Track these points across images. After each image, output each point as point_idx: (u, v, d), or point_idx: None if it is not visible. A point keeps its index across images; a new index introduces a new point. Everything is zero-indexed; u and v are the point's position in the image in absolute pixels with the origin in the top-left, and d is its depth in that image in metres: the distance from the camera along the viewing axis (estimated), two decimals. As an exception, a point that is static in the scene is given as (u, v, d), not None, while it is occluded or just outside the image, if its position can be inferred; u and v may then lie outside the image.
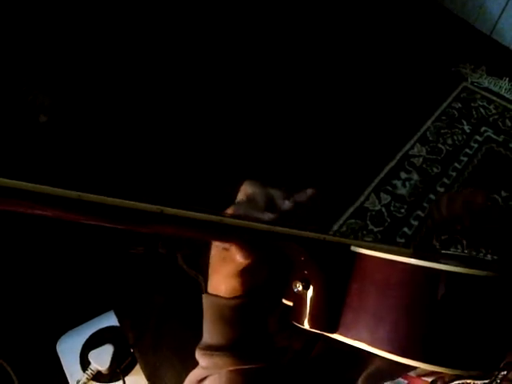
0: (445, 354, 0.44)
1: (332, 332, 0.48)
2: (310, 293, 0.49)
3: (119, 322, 1.07)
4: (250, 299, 0.54)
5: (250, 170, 1.71)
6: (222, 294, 0.54)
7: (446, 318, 0.44)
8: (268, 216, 0.50)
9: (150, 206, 0.38)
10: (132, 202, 0.37)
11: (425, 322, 0.44)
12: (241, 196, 0.54)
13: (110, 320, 1.08)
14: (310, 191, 0.56)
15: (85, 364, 1.01)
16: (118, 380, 1.00)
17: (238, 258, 0.48)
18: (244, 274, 0.52)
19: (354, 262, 0.48)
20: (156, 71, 1.96)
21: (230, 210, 0.51)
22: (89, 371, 0.99)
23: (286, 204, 0.53)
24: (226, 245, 0.51)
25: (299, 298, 0.50)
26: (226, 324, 0.54)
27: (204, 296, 0.56)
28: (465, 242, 0.72)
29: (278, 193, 0.54)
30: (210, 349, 0.55)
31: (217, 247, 0.53)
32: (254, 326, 0.56)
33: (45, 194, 0.33)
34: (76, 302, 1.37)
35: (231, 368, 0.54)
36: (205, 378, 0.56)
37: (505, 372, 0.51)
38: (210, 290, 0.55)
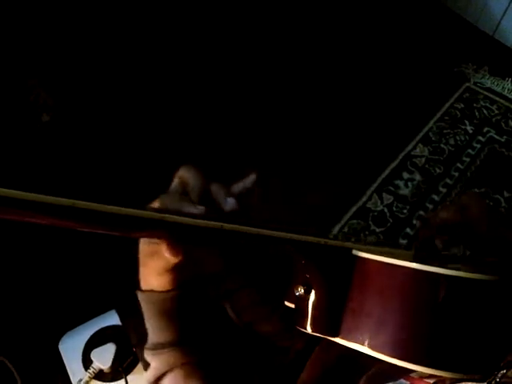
0: (446, 358, 0.44)
1: (334, 336, 0.48)
2: (311, 297, 0.49)
3: (121, 320, 1.07)
4: (184, 291, 0.52)
5: (252, 170, 1.70)
6: (155, 289, 0.52)
7: (448, 322, 0.44)
8: (199, 209, 0.44)
9: (149, 212, 0.38)
10: (130, 210, 0.37)
11: (426, 326, 0.45)
12: (174, 183, 0.49)
13: (112, 319, 1.08)
14: (252, 177, 0.51)
15: (87, 363, 1.02)
16: (120, 379, 1.00)
17: (167, 255, 0.44)
18: (174, 269, 0.50)
19: (355, 266, 0.48)
20: (158, 71, 1.96)
21: (156, 202, 0.47)
22: (91, 370, 1.00)
23: (229, 203, 0.48)
24: (155, 240, 0.47)
25: (301, 302, 0.50)
26: (166, 318, 0.53)
27: (138, 293, 0.53)
28: (462, 247, 0.72)
29: (220, 189, 0.48)
30: (158, 347, 0.54)
31: (144, 241, 0.50)
32: (196, 315, 0.55)
33: (37, 203, 0.32)
34: (78, 301, 1.38)
35: (182, 362, 0.53)
36: (161, 378, 0.55)
37: (504, 371, 0.51)
38: (143, 286, 0.53)
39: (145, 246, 0.50)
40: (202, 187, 0.48)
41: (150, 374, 0.56)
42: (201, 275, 0.54)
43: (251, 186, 0.50)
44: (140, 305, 0.54)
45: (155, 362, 0.54)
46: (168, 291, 0.52)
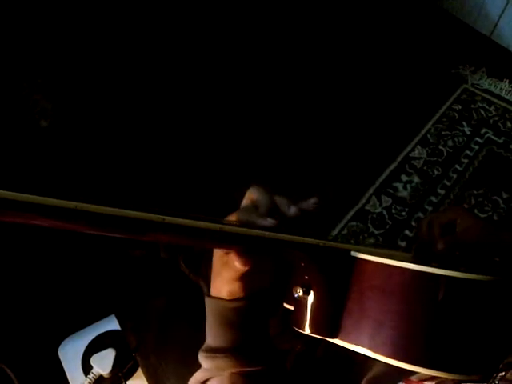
0: (445, 359, 0.44)
1: (333, 337, 0.48)
2: (310, 298, 0.49)
3: (121, 326, 1.07)
4: (251, 302, 0.55)
5: (252, 173, 1.71)
6: (224, 297, 0.55)
7: (447, 323, 0.44)
8: (269, 222, 0.50)
9: (151, 215, 0.38)
10: (132, 212, 0.37)
11: (425, 327, 0.45)
12: (246, 201, 0.55)
13: (112, 324, 1.08)
14: (313, 200, 0.56)
15: (87, 368, 1.02)
16: (119, 384, 1.00)
17: (237, 264, 0.49)
18: (244, 278, 0.53)
19: (354, 268, 0.48)
20: (158, 76, 1.96)
21: (233, 216, 0.52)
22: (91, 375, 0.99)
23: (292, 210, 0.53)
24: (227, 250, 0.51)
25: (300, 303, 0.50)
26: (229, 326, 0.55)
27: (207, 299, 0.57)
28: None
29: (283, 200, 0.54)
30: (213, 351, 0.55)
31: (219, 251, 0.54)
32: (256, 328, 0.57)
33: (41, 205, 0.32)
34: (77, 307, 1.37)
35: (233, 370, 0.55)
36: (207, 380, 0.57)
37: (503, 373, 0.51)
38: (213, 292, 0.56)
39: (218, 256, 0.54)
40: (270, 202, 0.54)
41: (199, 375, 0.58)
42: (264, 289, 0.57)
43: (310, 208, 0.56)
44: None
45: (208, 364, 0.56)
46: (235, 300, 0.54)
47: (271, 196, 0.54)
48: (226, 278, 0.54)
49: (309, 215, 0.55)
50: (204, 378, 0.57)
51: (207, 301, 0.57)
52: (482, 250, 0.69)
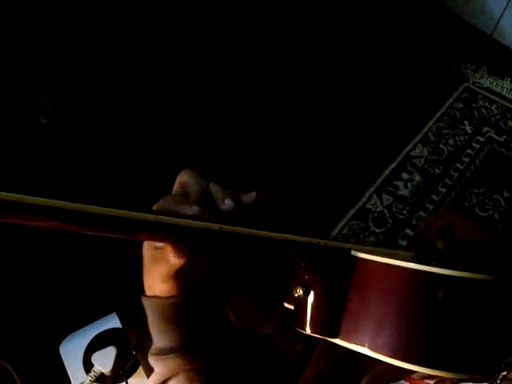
0: (446, 359, 0.44)
1: (333, 337, 0.48)
2: (310, 298, 0.49)
3: (122, 323, 1.07)
4: (189, 295, 0.52)
5: (251, 171, 1.71)
6: (158, 295, 0.52)
7: (448, 323, 0.44)
8: (193, 210, 0.45)
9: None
10: (130, 212, 0.37)
11: (426, 327, 0.45)
12: (175, 186, 0.50)
13: (113, 322, 1.08)
14: (252, 195, 0.51)
15: (88, 366, 1.02)
16: (121, 382, 1.00)
17: (172, 258, 0.45)
18: (177, 274, 0.49)
19: (354, 267, 0.48)
20: (157, 75, 1.96)
21: (156, 204, 0.48)
22: (92, 373, 1.00)
23: (227, 204, 0.48)
24: (159, 244, 0.48)
25: (300, 304, 0.50)
26: (171, 324, 0.53)
27: (143, 299, 0.54)
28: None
29: (218, 189, 0.49)
30: (162, 352, 0.53)
31: (148, 246, 0.50)
32: (200, 320, 0.55)
33: (47, 207, 0.32)
34: (79, 304, 1.38)
35: (186, 368, 0.53)
36: (166, 381, 0.55)
37: (505, 372, 0.51)
38: (147, 291, 0.53)
39: (148, 252, 0.50)
40: (202, 188, 0.49)
41: (153, 379, 0.56)
42: (203, 280, 0.55)
43: (251, 202, 0.51)
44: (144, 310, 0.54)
45: (159, 367, 0.54)
46: (172, 297, 0.52)
47: (204, 182, 0.49)
48: (159, 274, 0.50)
49: (244, 212, 0.50)
50: (159, 382, 0.55)
51: (144, 301, 0.53)
52: (482, 249, 0.69)
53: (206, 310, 0.56)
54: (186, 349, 0.53)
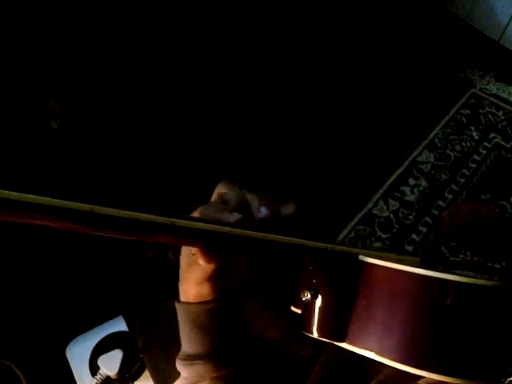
0: (454, 365, 0.44)
1: (340, 341, 0.48)
2: (318, 302, 0.49)
3: (128, 327, 1.07)
4: (222, 302, 0.53)
5: (257, 176, 1.71)
6: (192, 301, 0.53)
7: (455, 328, 0.44)
8: (235, 217, 0.47)
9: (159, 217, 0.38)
10: (143, 214, 0.37)
11: (433, 332, 0.45)
12: (214, 196, 0.52)
13: (119, 325, 1.08)
14: (292, 206, 0.53)
15: (94, 369, 1.02)
16: (127, 385, 1.01)
17: (201, 262, 0.46)
18: (212, 279, 0.51)
19: (361, 272, 0.48)
20: (165, 78, 1.97)
21: (197, 212, 0.50)
22: (98, 376, 1.00)
23: (262, 212, 0.51)
24: (192, 250, 0.49)
25: (308, 307, 0.50)
26: (202, 331, 0.53)
27: (177, 305, 0.55)
28: (468, 253, 0.72)
29: (254, 198, 0.51)
30: (190, 358, 0.54)
31: (185, 253, 0.52)
32: (231, 328, 0.56)
33: (57, 208, 0.33)
34: (85, 307, 1.38)
35: (213, 375, 0.54)
36: None
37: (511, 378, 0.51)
38: (182, 297, 0.54)
39: (184, 258, 0.52)
40: (239, 198, 0.51)
41: (180, 382, 0.56)
42: (236, 287, 0.55)
43: (290, 214, 0.53)
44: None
45: (186, 372, 0.55)
46: (205, 303, 0.53)
47: (241, 192, 0.51)
48: (192, 280, 0.52)
49: (280, 221, 0.52)
50: None
51: (177, 307, 0.55)
52: (499, 237, 0.70)
53: (237, 318, 0.57)
54: (214, 356, 0.54)
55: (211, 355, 0.53)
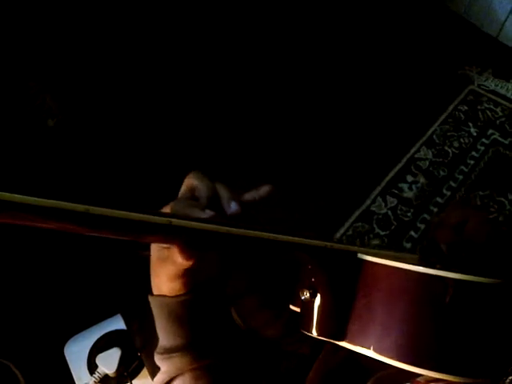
0: (453, 362, 0.44)
1: (339, 340, 0.48)
2: (317, 301, 0.49)
3: (126, 325, 1.07)
4: (197, 294, 0.53)
5: (255, 173, 1.71)
6: (166, 294, 0.52)
7: (454, 326, 0.44)
8: (208, 214, 0.45)
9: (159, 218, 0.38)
10: (141, 215, 0.37)
11: (432, 330, 0.44)
12: (183, 189, 0.50)
13: (118, 323, 1.08)
14: (265, 189, 0.50)
15: (92, 367, 1.02)
16: (125, 383, 1.00)
17: (180, 259, 0.44)
18: (186, 274, 0.50)
19: (360, 270, 0.48)
20: (164, 75, 1.97)
21: (167, 208, 0.48)
22: (96, 374, 1.00)
23: (232, 207, 0.48)
24: (166, 245, 0.47)
25: (306, 306, 0.50)
26: (178, 323, 0.53)
27: (150, 298, 0.54)
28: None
29: (225, 192, 0.49)
30: (168, 351, 0.54)
31: (156, 247, 0.50)
32: (206, 319, 0.55)
33: (51, 208, 0.32)
34: (83, 306, 1.38)
35: (192, 367, 0.53)
36: (169, 382, 0.55)
37: (512, 376, 0.51)
38: (154, 291, 0.53)
39: (156, 252, 0.50)
40: (210, 191, 0.48)
41: (160, 378, 0.56)
42: (210, 279, 0.55)
43: (262, 198, 0.50)
44: (151, 310, 0.54)
45: (165, 366, 0.54)
46: (179, 296, 0.52)
47: (211, 183, 0.49)
48: (165, 275, 0.50)
49: (254, 211, 0.49)
50: (165, 381, 0.55)
51: (151, 300, 0.54)
52: (491, 250, 0.69)
53: (212, 309, 0.56)
54: (191, 347, 0.53)
55: (188, 347, 0.53)
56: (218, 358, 0.55)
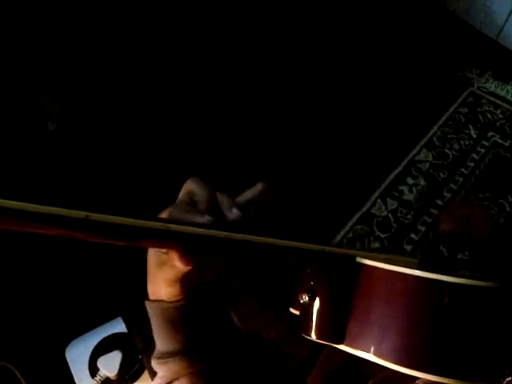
0: (451, 366, 0.44)
1: (338, 343, 0.48)
2: (316, 304, 0.49)
3: (127, 328, 1.07)
4: (193, 299, 0.53)
5: (255, 176, 1.71)
6: (163, 299, 0.52)
7: (452, 329, 0.45)
8: (206, 219, 0.45)
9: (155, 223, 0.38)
10: (140, 221, 0.37)
11: (431, 334, 0.45)
12: (182, 194, 0.49)
13: (119, 326, 1.08)
14: (259, 186, 0.51)
15: (93, 370, 1.02)
16: (126, 386, 1.01)
17: (178, 264, 0.44)
18: (184, 279, 0.50)
19: (359, 273, 0.48)
20: (165, 80, 1.97)
21: (165, 213, 0.48)
22: (97, 377, 1.00)
23: (233, 213, 0.47)
24: (165, 250, 0.48)
25: (305, 309, 0.50)
26: (174, 327, 0.53)
27: (147, 303, 0.54)
28: (467, 252, 0.72)
29: (225, 199, 0.49)
30: (165, 356, 0.54)
31: (153, 252, 0.50)
32: (203, 323, 0.55)
33: (52, 215, 0.32)
34: (84, 309, 1.38)
35: (189, 371, 0.54)
36: None
37: (510, 378, 0.51)
38: (151, 296, 0.53)
39: (153, 256, 0.50)
40: (209, 197, 0.48)
41: (157, 382, 0.56)
42: (207, 284, 0.55)
43: (258, 195, 0.51)
44: (148, 314, 0.54)
45: (162, 370, 0.55)
46: (176, 301, 0.52)
47: (211, 191, 0.48)
48: (163, 280, 0.50)
49: (254, 212, 0.49)
50: None
51: (148, 305, 0.54)
52: (492, 250, 0.69)
53: (209, 314, 0.56)
54: (188, 352, 0.53)
55: (185, 351, 0.53)
56: (214, 362, 0.55)
